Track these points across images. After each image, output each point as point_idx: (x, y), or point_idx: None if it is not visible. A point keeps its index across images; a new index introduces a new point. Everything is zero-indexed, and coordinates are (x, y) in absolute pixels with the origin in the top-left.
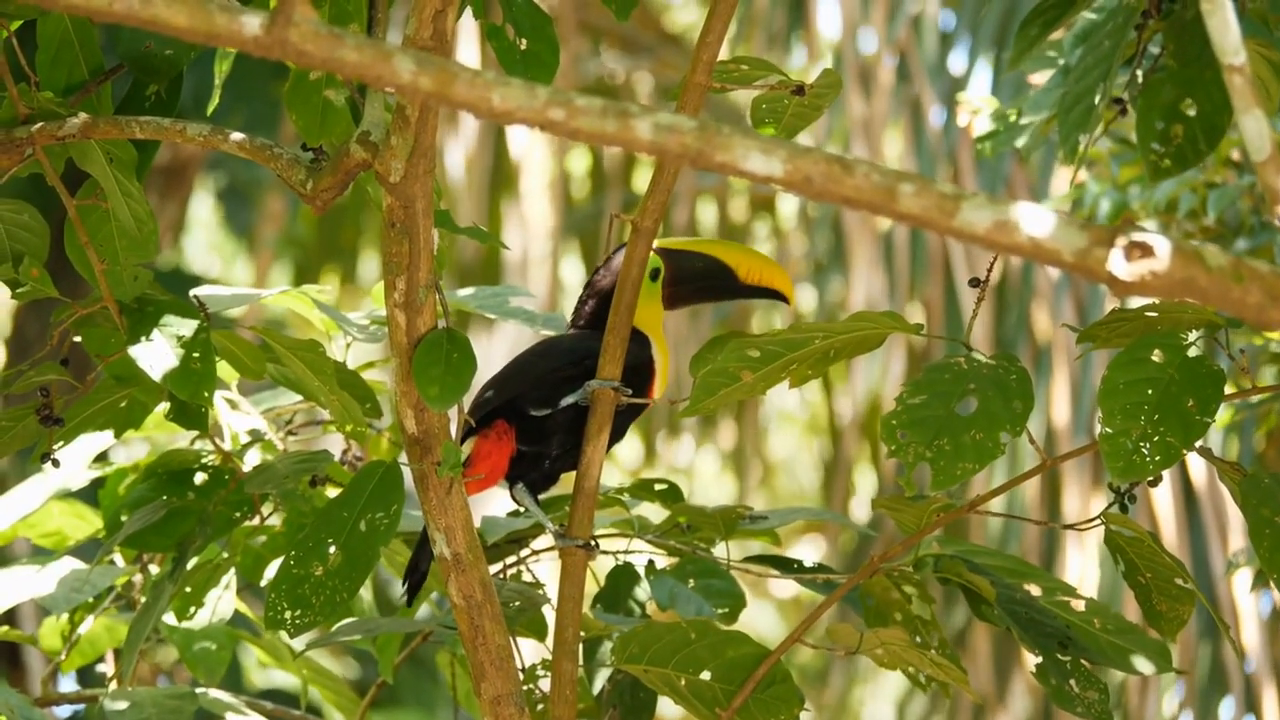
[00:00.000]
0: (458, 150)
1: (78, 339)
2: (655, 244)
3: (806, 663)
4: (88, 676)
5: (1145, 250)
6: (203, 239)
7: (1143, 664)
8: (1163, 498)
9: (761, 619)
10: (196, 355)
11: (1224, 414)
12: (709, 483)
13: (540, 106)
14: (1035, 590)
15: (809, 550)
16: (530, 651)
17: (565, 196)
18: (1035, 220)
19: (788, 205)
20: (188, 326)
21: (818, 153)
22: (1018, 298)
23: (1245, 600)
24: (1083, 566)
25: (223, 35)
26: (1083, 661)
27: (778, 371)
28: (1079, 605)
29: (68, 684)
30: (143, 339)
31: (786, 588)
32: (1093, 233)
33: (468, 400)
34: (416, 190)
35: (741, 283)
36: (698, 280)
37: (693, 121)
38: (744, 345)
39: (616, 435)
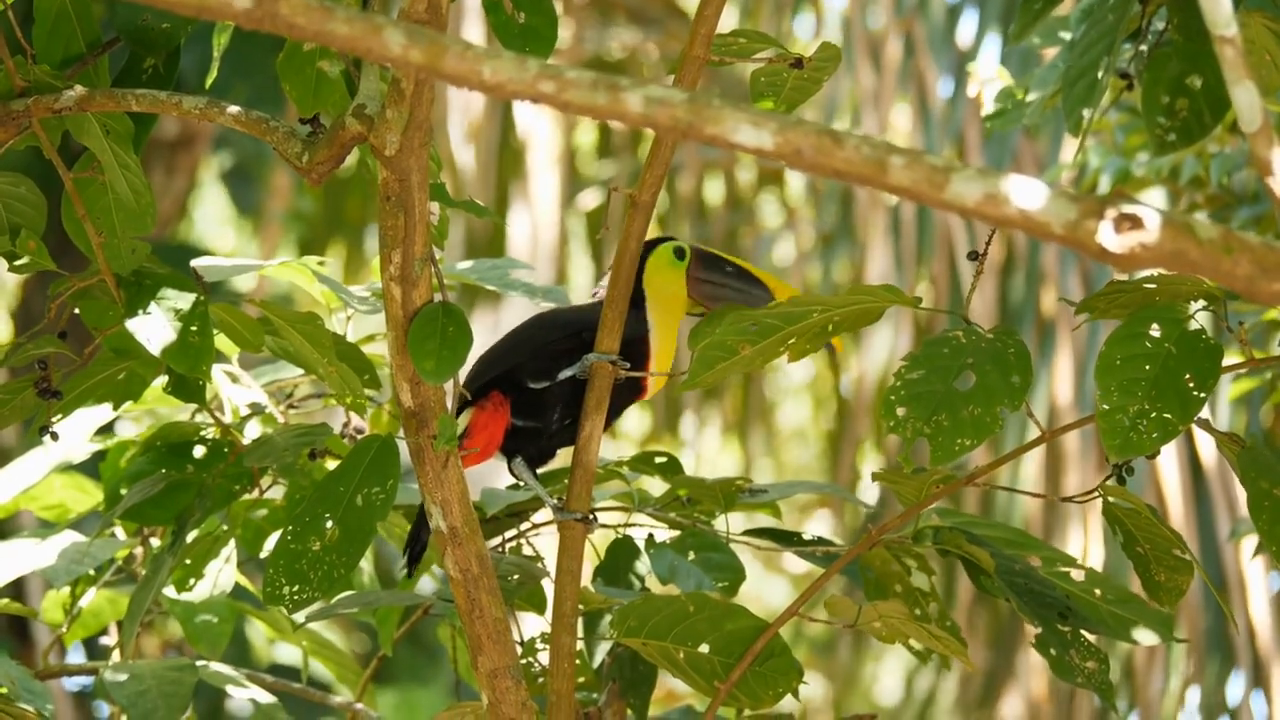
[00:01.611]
0: (464, 126)
1: (78, 312)
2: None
3: (816, 635)
4: (96, 649)
5: (1135, 222)
6: (214, 213)
7: (1144, 634)
8: (1169, 471)
9: (775, 593)
10: (194, 329)
11: (1234, 387)
12: (715, 456)
13: (531, 79)
14: (1035, 561)
15: (820, 526)
16: (531, 625)
17: (572, 171)
18: (1025, 193)
19: (796, 179)
20: (185, 300)
21: (808, 125)
22: (1025, 272)
23: (1254, 574)
24: (1085, 544)
25: (213, 7)
26: (1083, 632)
27: (776, 345)
28: (1079, 575)
29: (77, 656)
30: (140, 312)
31: (800, 563)
32: (1083, 205)
33: (464, 373)
34: (412, 163)
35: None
36: (727, 280)
37: (683, 94)
38: (742, 319)
39: (611, 416)
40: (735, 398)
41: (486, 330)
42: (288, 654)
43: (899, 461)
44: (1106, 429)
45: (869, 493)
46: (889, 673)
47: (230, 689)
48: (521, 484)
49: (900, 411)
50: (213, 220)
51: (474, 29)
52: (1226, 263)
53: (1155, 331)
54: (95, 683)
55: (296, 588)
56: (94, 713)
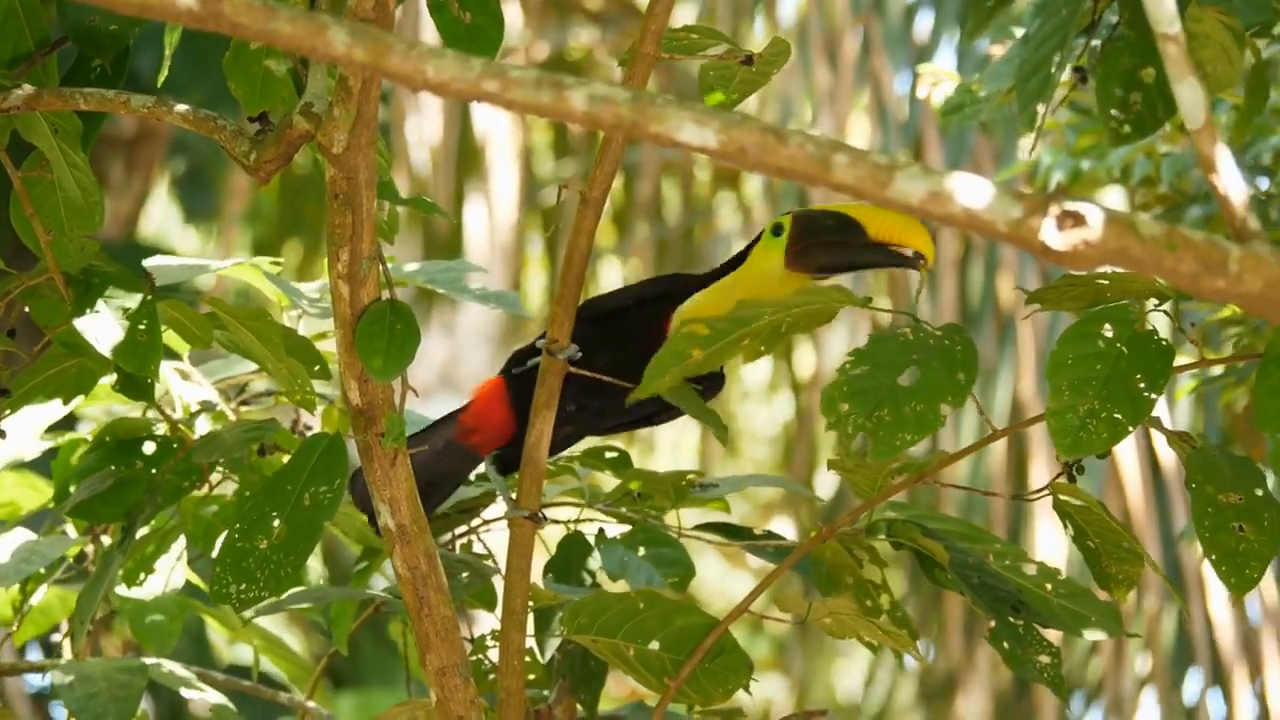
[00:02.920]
0: (421, 128)
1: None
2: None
3: (778, 633)
4: (54, 648)
5: (1078, 220)
6: (174, 212)
7: (1093, 630)
8: (1130, 469)
9: (739, 589)
10: (143, 327)
11: (1187, 383)
12: (673, 454)
13: (474, 78)
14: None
15: (781, 524)
16: (484, 623)
17: (530, 170)
18: (969, 190)
19: (753, 179)
20: (134, 298)
21: (752, 123)
22: (983, 266)
23: (1212, 572)
24: (1052, 538)
25: (156, 7)
26: (1035, 626)
27: (729, 348)
28: (1030, 569)
29: (38, 654)
30: (89, 311)
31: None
32: (1027, 203)
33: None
34: (359, 161)
35: (872, 241)
36: (824, 236)
37: (627, 92)
38: (693, 325)
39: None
40: None
41: (445, 330)
42: (248, 654)
43: (844, 452)
44: (1056, 428)
45: (825, 489)
46: (853, 669)
47: (182, 689)
48: (476, 479)
49: (842, 407)
50: (173, 219)
51: (428, 31)
52: (1170, 260)
53: (1108, 331)
54: (51, 683)
55: (244, 586)
56: (51, 713)
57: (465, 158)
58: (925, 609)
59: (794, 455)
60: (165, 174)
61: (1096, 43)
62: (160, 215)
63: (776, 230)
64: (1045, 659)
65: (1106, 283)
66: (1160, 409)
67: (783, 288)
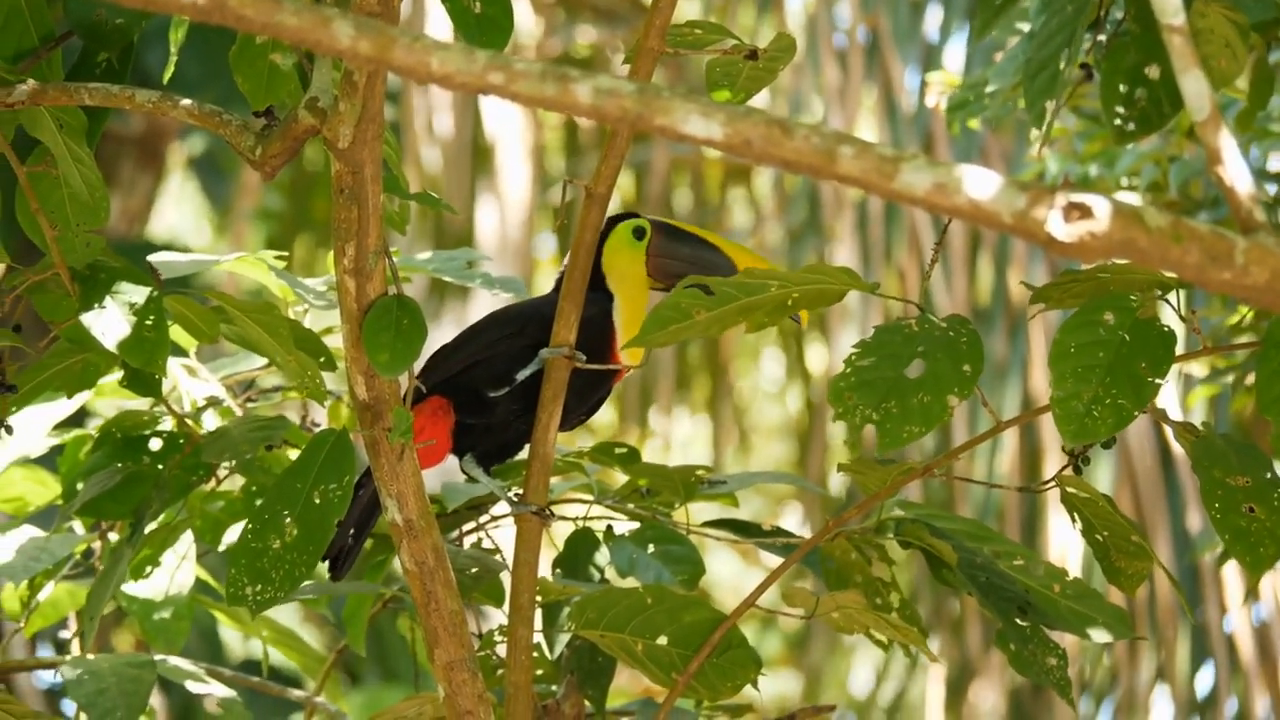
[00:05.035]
0: (432, 126)
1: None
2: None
3: (795, 629)
4: (66, 646)
5: (1084, 211)
6: (185, 210)
7: (1100, 632)
8: (1141, 462)
9: (753, 586)
10: (149, 322)
11: (1195, 392)
12: (684, 451)
13: (479, 70)
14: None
15: (796, 515)
16: (495, 619)
17: (540, 169)
18: (975, 182)
19: (764, 177)
20: (140, 293)
21: (758, 115)
22: (994, 263)
23: (1229, 566)
24: (1066, 535)
25: (161, 0)
26: (1042, 628)
27: (732, 314)
28: (1039, 570)
29: (47, 652)
30: (95, 306)
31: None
32: (1032, 194)
33: (419, 367)
34: (365, 156)
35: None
36: (689, 255)
37: (632, 85)
38: (698, 284)
39: (587, 406)
40: (703, 391)
41: (454, 325)
42: (260, 651)
43: (848, 447)
44: (1061, 415)
45: (838, 485)
46: (867, 665)
47: (189, 684)
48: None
49: (850, 398)
50: (184, 217)
51: (442, 24)
52: (1176, 251)
53: (1109, 319)
54: (61, 679)
55: (259, 587)
56: (63, 710)
57: (477, 156)
58: (940, 603)
59: (808, 450)
60: (179, 167)
61: (1102, 39)
62: (172, 213)
63: (639, 233)
64: (1052, 661)
65: (1108, 276)
66: (1171, 412)
67: (645, 294)
